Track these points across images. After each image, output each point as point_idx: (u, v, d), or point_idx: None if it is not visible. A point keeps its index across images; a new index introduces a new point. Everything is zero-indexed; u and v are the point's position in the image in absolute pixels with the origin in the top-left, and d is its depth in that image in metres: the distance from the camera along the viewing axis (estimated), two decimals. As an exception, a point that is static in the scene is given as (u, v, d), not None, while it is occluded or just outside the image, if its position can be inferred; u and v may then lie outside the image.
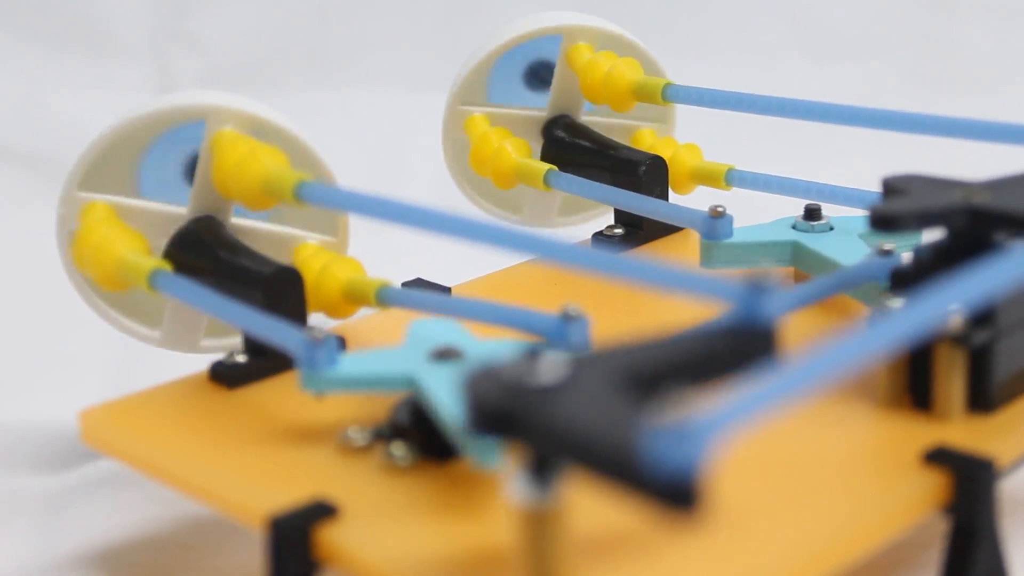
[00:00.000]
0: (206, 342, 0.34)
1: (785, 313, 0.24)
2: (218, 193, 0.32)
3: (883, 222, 0.28)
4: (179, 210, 0.33)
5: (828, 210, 0.35)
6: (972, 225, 0.28)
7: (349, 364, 0.27)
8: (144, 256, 0.31)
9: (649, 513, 0.19)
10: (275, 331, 0.28)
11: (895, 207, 0.28)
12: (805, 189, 0.37)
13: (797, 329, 0.30)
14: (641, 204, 0.37)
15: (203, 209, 0.33)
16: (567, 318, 0.27)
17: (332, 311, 0.32)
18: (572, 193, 0.39)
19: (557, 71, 0.40)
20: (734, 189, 0.40)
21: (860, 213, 0.35)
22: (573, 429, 0.20)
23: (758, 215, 0.37)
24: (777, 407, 0.20)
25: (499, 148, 0.39)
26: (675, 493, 0.18)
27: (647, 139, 0.41)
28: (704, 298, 0.24)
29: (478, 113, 0.40)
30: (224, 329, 0.34)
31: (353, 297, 0.32)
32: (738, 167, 0.39)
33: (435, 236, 0.27)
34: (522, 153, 0.40)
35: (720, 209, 0.34)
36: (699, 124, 0.44)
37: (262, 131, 0.33)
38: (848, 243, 0.34)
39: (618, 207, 0.39)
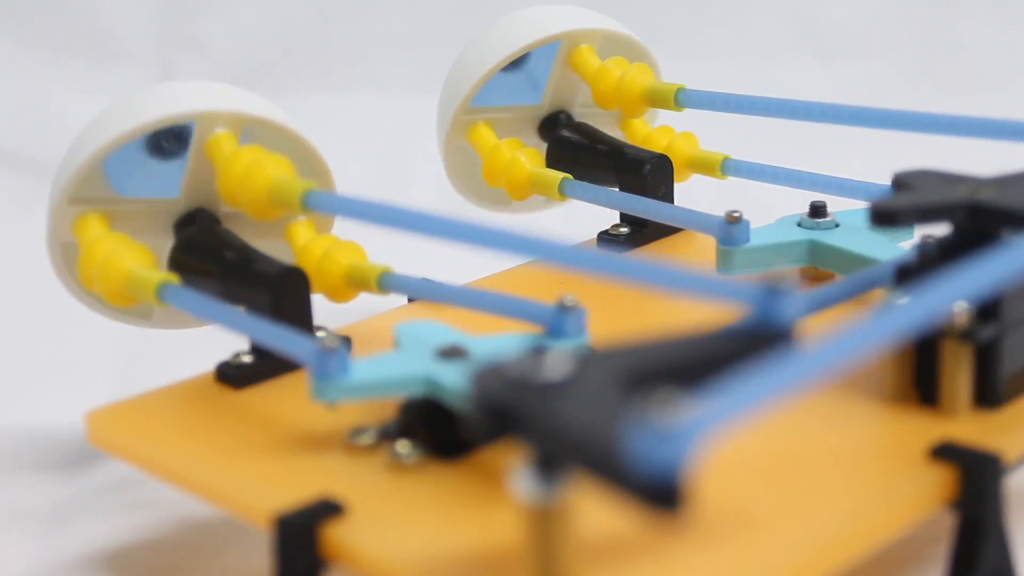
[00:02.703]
0: None
1: (803, 315, 0.24)
2: (209, 186, 0.33)
3: (883, 217, 0.28)
4: (172, 199, 0.33)
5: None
6: (976, 221, 0.28)
7: (361, 371, 0.27)
8: (151, 268, 0.31)
9: (635, 513, 0.19)
10: (284, 340, 0.28)
11: (895, 203, 0.28)
12: (800, 179, 0.37)
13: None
14: (659, 210, 0.37)
15: (196, 201, 0.33)
16: (564, 308, 0.27)
17: (333, 295, 0.32)
18: (587, 201, 0.39)
19: (553, 70, 0.40)
20: (729, 191, 0.39)
21: (861, 207, 0.35)
22: (570, 427, 0.20)
23: (754, 215, 0.37)
24: (765, 405, 0.20)
25: (512, 159, 0.39)
26: (658, 493, 0.18)
27: (641, 129, 0.41)
28: (721, 301, 0.24)
29: (479, 120, 0.40)
30: None
31: (355, 282, 0.32)
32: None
33: (443, 242, 0.28)
34: (535, 162, 0.39)
35: (736, 214, 0.34)
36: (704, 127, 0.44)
37: (252, 128, 0.33)
38: (864, 237, 0.34)
39: (634, 214, 0.38)
